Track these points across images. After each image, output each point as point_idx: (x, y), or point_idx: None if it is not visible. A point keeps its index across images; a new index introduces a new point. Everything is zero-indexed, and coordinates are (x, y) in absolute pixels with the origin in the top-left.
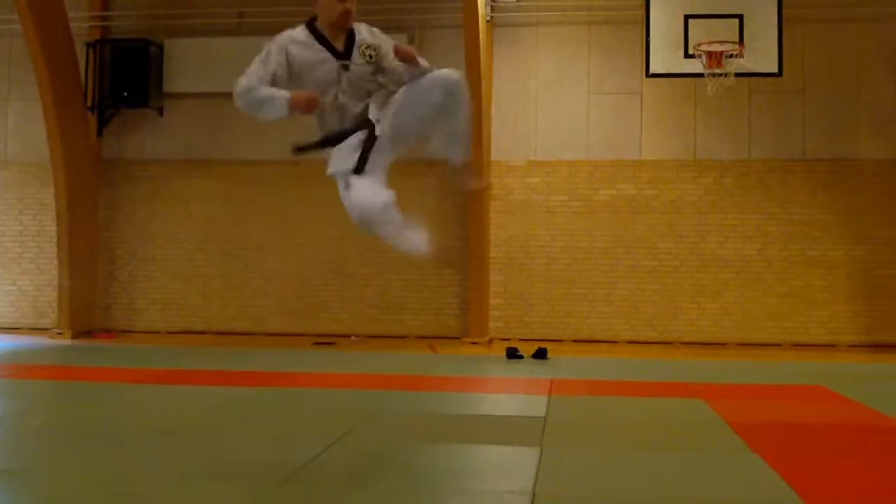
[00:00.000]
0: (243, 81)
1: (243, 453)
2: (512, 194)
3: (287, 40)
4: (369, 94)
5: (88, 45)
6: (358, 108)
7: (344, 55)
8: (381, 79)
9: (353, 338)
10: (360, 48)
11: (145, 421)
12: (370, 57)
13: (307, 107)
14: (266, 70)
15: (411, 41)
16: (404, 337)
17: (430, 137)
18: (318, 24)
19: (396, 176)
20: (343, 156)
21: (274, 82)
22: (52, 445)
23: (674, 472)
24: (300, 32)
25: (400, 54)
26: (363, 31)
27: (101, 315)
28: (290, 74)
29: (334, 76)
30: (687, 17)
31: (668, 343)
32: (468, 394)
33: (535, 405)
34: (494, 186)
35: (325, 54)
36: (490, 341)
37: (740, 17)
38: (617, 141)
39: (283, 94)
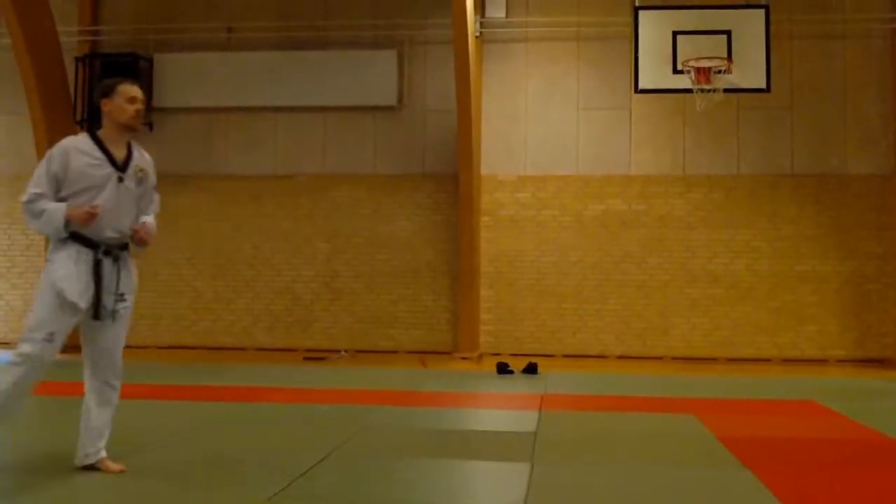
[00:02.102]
0: (28, 190)
1: (231, 469)
2: (502, 209)
3: (70, 146)
4: (135, 213)
5: (77, 59)
6: (123, 223)
7: (121, 168)
8: (140, 204)
9: (342, 353)
10: (134, 166)
11: (132, 436)
12: (140, 179)
13: (85, 221)
14: (49, 175)
15: (401, 57)
16: (394, 352)
17: None
18: (102, 133)
19: (389, 190)
20: (80, 287)
21: (57, 186)
22: (37, 463)
23: (664, 486)
24: (82, 140)
25: (137, 235)
26: (138, 154)
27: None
28: (67, 177)
29: (111, 186)
30: (675, 34)
31: (659, 358)
32: (459, 409)
33: (525, 420)
34: (485, 201)
35: (106, 164)
36: (480, 356)
37: (728, 33)
38: (606, 156)
39: (61, 208)
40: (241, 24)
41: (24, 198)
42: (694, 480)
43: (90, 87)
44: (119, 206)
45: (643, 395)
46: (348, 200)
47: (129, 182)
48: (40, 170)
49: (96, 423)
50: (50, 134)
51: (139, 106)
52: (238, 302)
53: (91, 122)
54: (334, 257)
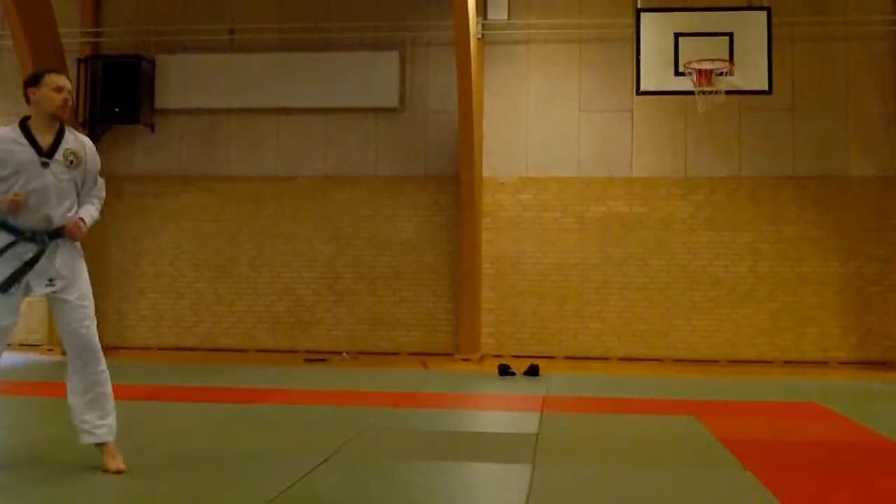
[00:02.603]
0: None
1: (232, 471)
2: (503, 211)
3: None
4: (73, 198)
5: (79, 60)
6: (57, 210)
7: (47, 154)
8: (81, 189)
9: (344, 354)
10: (63, 151)
11: (132, 438)
12: (71, 162)
13: (10, 209)
14: None
15: (402, 59)
16: (396, 353)
17: None
18: (31, 121)
19: (390, 191)
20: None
21: None
22: (36, 463)
23: (666, 488)
24: (11, 130)
25: (68, 230)
26: (70, 137)
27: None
28: (5, 168)
29: (36, 171)
30: (677, 35)
31: (660, 360)
32: (460, 411)
33: (527, 422)
34: (486, 203)
35: (29, 150)
36: (482, 358)
37: (730, 34)
38: (608, 158)
39: None
40: (243, 25)
41: None
42: (695, 482)
43: (92, 89)
44: (46, 192)
45: (644, 396)
46: (350, 202)
47: (57, 167)
48: None
49: (81, 398)
50: None
51: (66, 95)
52: (239, 303)
53: (92, 124)
54: (335, 259)
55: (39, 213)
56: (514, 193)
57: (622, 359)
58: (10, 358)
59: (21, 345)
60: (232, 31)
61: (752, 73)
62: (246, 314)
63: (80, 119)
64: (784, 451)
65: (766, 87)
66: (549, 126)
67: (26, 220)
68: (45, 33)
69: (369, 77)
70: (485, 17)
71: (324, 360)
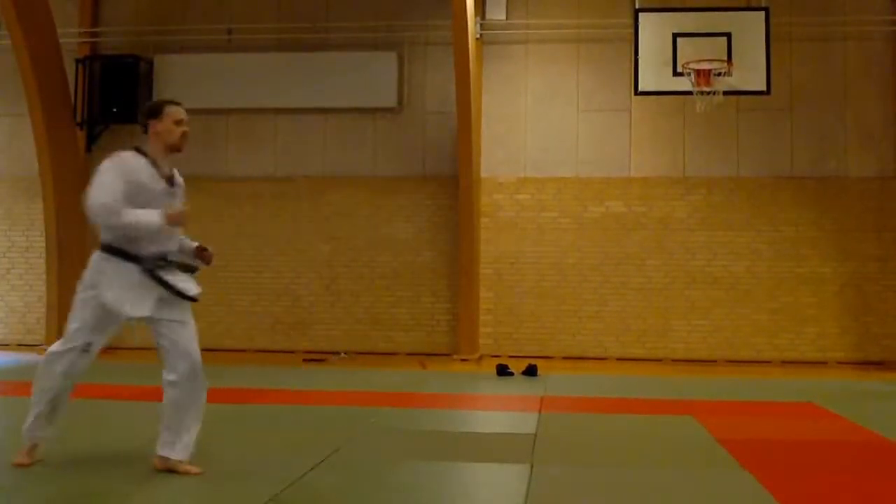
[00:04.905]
0: (101, 199)
1: (231, 471)
2: (502, 211)
3: (129, 161)
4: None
5: (78, 61)
6: (170, 240)
7: (168, 183)
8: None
9: (342, 354)
10: (177, 185)
11: (133, 437)
12: (179, 193)
13: (174, 224)
14: (120, 186)
15: (401, 59)
16: (394, 354)
17: None
18: (150, 151)
19: (389, 191)
20: (136, 297)
21: (126, 198)
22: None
23: (663, 488)
24: (134, 157)
25: (204, 254)
26: (177, 174)
27: None
28: (131, 190)
29: (164, 201)
30: (675, 36)
31: (658, 360)
32: (458, 411)
33: (525, 422)
34: (484, 203)
35: (159, 179)
36: (480, 358)
37: (728, 35)
38: (606, 158)
39: (155, 214)
40: (242, 25)
41: (100, 203)
42: (693, 482)
43: (90, 89)
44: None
45: (643, 396)
46: (348, 202)
47: (176, 198)
48: (105, 178)
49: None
50: (50, 135)
51: (185, 128)
52: (238, 304)
53: (91, 125)
54: (334, 259)
55: (172, 240)
56: (512, 193)
57: (620, 359)
58: (8, 358)
59: (20, 345)
60: (230, 32)
61: (750, 74)
62: (245, 314)
63: (78, 119)
64: (782, 450)
65: (764, 88)
66: (548, 126)
67: (156, 247)
68: (44, 33)
69: (368, 77)
70: (483, 17)
71: (322, 360)
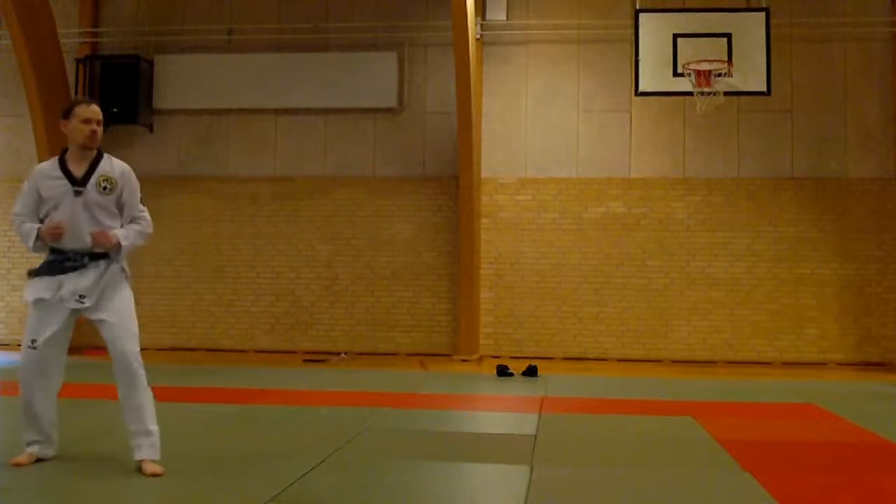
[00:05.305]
0: (13, 210)
1: (230, 471)
2: (502, 211)
3: (39, 171)
4: (112, 221)
5: (78, 61)
6: (78, 240)
7: (80, 182)
8: (123, 213)
9: (342, 355)
10: (97, 177)
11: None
12: (105, 188)
13: (52, 237)
14: (30, 198)
15: (401, 59)
16: (394, 354)
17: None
18: (68, 152)
19: (389, 192)
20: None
21: (38, 207)
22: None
23: (664, 489)
24: (50, 165)
25: (94, 239)
26: (105, 164)
27: (90, 331)
28: (41, 199)
29: (68, 200)
30: (676, 36)
31: (658, 361)
32: (458, 411)
33: (525, 423)
34: (485, 204)
35: (63, 181)
36: (480, 359)
37: (729, 36)
38: (606, 159)
39: (34, 227)
40: (242, 25)
41: (12, 214)
42: (693, 483)
43: (91, 90)
44: (78, 219)
45: (643, 397)
46: (348, 202)
47: (92, 194)
48: (22, 189)
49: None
50: (50, 135)
51: (93, 127)
52: (238, 304)
53: None
54: (334, 259)
55: (75, 237)
56: (512, 194)
57: (620, 360)
58: (9, 358)
59: (18, 345)
60: (230, 32)
61: (750, 75)
62: (245, 315)
63: None
64: (782, 452)
65: (764, 89)
66: (548, 127)
67: (67, 244)
68: (44, 33)
69: (368, 78)
70: (483, 18)
71: (322, 360)
